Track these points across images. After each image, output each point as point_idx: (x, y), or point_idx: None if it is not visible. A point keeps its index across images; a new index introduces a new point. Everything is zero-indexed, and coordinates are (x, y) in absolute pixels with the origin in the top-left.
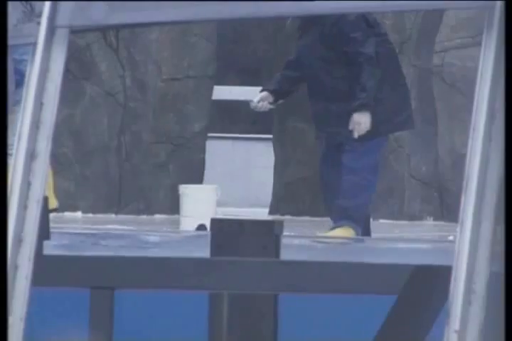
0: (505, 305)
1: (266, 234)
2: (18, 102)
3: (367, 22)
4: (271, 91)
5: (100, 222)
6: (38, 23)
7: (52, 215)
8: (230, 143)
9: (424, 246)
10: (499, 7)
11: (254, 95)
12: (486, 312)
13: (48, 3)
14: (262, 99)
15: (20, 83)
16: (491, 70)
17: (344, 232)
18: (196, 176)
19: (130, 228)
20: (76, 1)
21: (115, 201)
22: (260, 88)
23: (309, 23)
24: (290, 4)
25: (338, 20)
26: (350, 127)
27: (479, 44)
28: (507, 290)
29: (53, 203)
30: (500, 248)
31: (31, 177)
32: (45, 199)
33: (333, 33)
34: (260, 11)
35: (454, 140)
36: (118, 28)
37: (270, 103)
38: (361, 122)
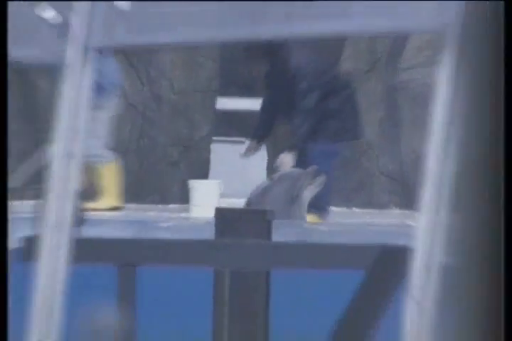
0: (505, 305)
1: (260, 220)
2: (97, 106)
3: (316, 72)
4: (257, 139)
5: (125, 210)
6: (71, 44)
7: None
8: (231, 145)
9: (390, 229)
10: (453, 30)
11: (250, 105)
12: (443, 285)
13: (77, 25)
14: (248, 151)
15: (96, 90)
16: (446, 83)
17: (310, 219)
18: (203, 173)
19: (150, 214)
20: (103, 24)
21: (137, 193)
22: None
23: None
24: (291, 28)
25: (292, 69)
26: (277, 164)
27: (438, 63)
28: (507, 289)
29: (113, 202)
30: (457, 234)
31: (69, 173)
32: (79, 192)
33: (288, 76)
34: (262, 34)
35: (415, 143)
36: (136, 49)
37: (257, 148)
38: (285, 162)
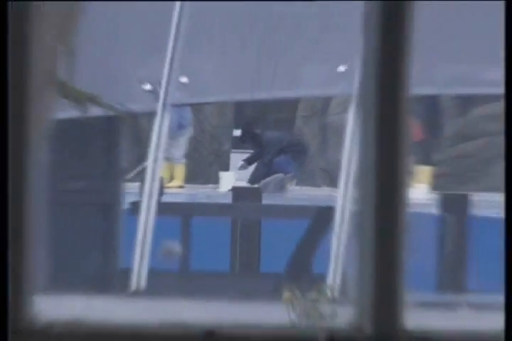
0: (506, 304)
1: (255, 192)
2: (179, 135)
3: (275, 143)
4: (247, 163)
5: (185, 187)
6: (158, 102)
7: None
8: (241, 154)
9: (323, 197)
10: (357, 95)
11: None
12: (352, 226)
13: (161, 92)
14: (241, 167)
15: (178, 125)
16: (353, 122)
17: None
18: (226, 169)
19: (199, 190)
20: (174, 90)
21: (192, 179)
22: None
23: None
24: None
25: (262, 143)
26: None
27: (349, 111)
28: (507, 289)
29: (180, 183)
30: (357, 200)
31: (156, 169)
32: (161, 178)
33: (260, 146)
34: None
35: (336, 154)
36: (193, 105)
37: (246, 167)
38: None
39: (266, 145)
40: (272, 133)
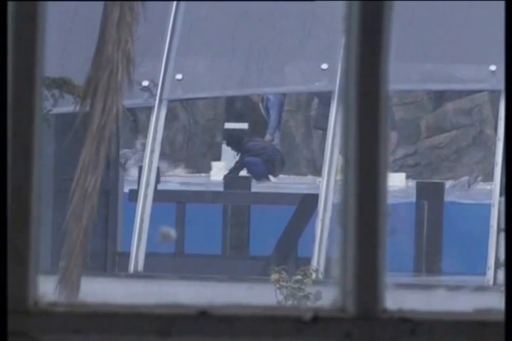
0: (506, 303)
1: (245, 181)
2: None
3: (258, 149)
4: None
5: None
6: (155, 98)
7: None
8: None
9: (308, 186)
10: (338, 91)
11: (239, 126)
12: (334, 210)
13: (157, 89)
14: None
15: None
16: (335, 115)
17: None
18: (217, 158)
19: (188, 175)
20: (170, 88)
21: (186, 168)
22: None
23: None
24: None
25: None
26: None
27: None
28: (507, 288)
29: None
30: (340, 187)
31: (152, 160)
32: (158, 168)
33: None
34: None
35: (321, 145)
36: (186, 101)
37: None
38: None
39: (247, 150)
40: (257, 143)
